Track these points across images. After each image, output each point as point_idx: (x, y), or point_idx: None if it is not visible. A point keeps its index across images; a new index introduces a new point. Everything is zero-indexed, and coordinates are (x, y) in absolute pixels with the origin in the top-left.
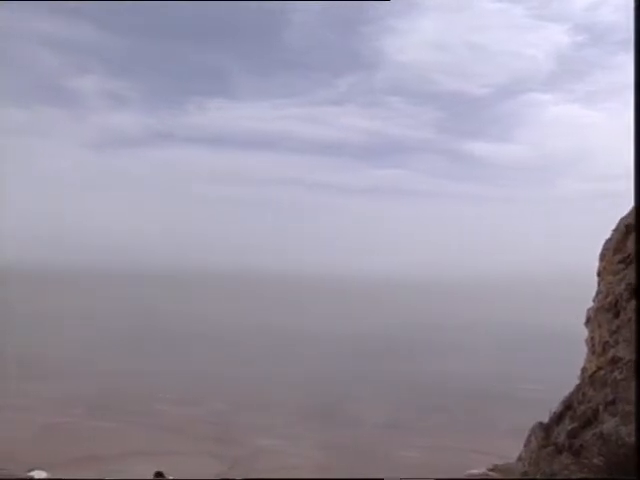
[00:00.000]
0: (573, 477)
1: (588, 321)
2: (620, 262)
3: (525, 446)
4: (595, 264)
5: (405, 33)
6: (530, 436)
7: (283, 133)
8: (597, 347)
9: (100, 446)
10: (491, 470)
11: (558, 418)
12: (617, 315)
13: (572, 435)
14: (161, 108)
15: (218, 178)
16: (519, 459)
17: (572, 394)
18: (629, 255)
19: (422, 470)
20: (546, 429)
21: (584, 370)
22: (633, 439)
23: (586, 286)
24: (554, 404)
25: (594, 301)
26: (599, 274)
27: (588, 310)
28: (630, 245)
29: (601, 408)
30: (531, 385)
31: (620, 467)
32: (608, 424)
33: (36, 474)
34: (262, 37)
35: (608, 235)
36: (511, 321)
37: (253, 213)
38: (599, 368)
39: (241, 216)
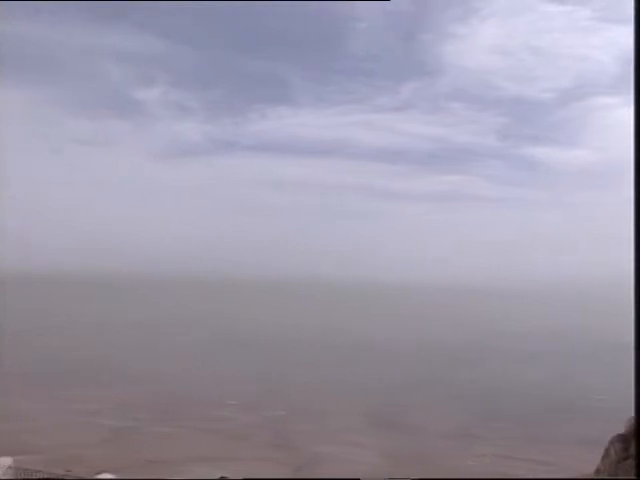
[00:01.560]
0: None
1: None
2: None
3: (603, 458)
4: None
5: (466, 38)
6: (609, 448)
7: (345, 140)
8: None
9: (165, 451)
10: None
11: (636, 430)
12: None
13: None
14: (224, 117)
15: (280, 186)
16: (597, 471)
17: None
18: None
19: None
20: (624, 441)
21: None
22: None
23: None
24: (622, 414)
25: None
26: None
27: None
28: None
29: None
30: (597, 395)
31: None
32: None
33: (104, 477)
34: (324, 45)
35: None
36: (576, 328)
37: (315, 220)
38: None
39: (303, 223)
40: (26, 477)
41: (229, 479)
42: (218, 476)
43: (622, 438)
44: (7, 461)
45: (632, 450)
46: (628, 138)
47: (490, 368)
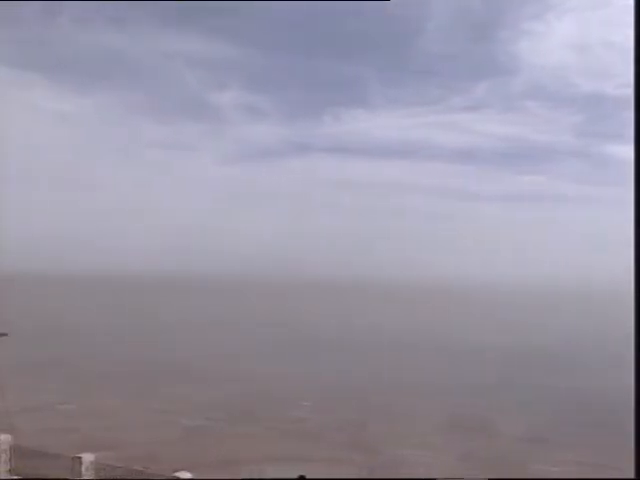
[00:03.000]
0: None
1: None
2: None
3: None
4: None
5: (541, 35)
6: None
7: (419, 141)
8: None
9: (240, 450)
10: None
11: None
12: None
13: None
14: (298, 120)
15: (356, 187)
16: None
17: None
18: None
19: None
20: None
21: None
22: None
23: None
24: None
25: None
26: None
27: None
28: None
29: None
30: None
31: None
32: None
33: (182, 475)
34: (396, 46)
35: None
36: None
37: (392, 222)
38: None
39: (380, 225)
40: (107, 473)
41: (308, 478)
42: (295, 476)
43: None
44: (89, 457)
45: None
46: None
47: (579, 374)
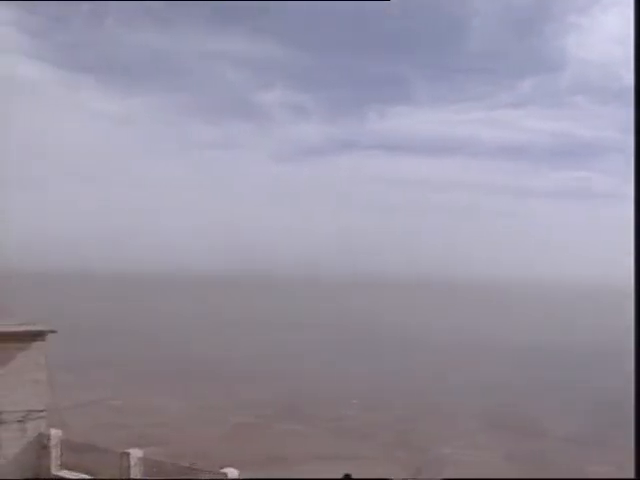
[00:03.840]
0: None
1: None
2: None
3: None
4: None
5: (588, 30)
6: None
7: (464, 138)
8: None
9: (287, 447)
10: None
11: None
12: None
13: None
14: (342, 117)
15: (401, 185)
16: None
17: None
18: None
19: None
20: None
21: None
22: None
23: None
24: None
25: None
26: None
27: None
28: None
29: None
30: None
31: None
32: None
33: (229, 471)
34: (441, 43)
35: None
36: None
37: (437, 219)
38: None
39: (425, 222)
40: (155, 469)
41: (352, 477)
42: (341, 474)
43: None
44: (138, 453)
45: None
46: None
47: (626, 375)
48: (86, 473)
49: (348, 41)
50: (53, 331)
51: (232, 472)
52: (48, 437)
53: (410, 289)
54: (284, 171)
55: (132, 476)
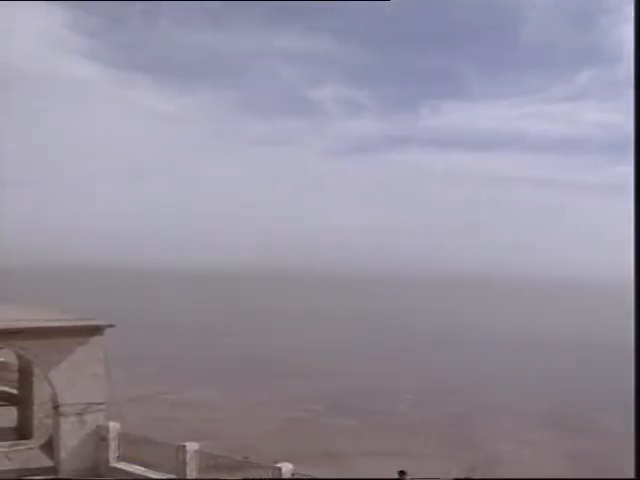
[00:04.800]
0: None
1: None
2: None
3: None
4: None
5: None
6: None
7: (519, 132)
8: None
9: (340, 443)
10: None
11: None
12: None
13: None
14: (396, 113)
15: (456, 180)
16: None
17: None
18: None
19: None
20: None
21: None
22: None
23: None
24: None
25: None
26: None
27: None
28: None
29: None
30: None
31: None
32: None
33: (283, 466)
34: (496, 37)
35: None
36: None
37: (493, 214)
38: None
39: (481, 217)
40: (210, 462)
41: (406, 474)
42: (394, 470)
43: None
44: (193, 446)
45: None
46: None
47: None
48: (143, 465)
49: (401, 36)
50: (111, 326)
51: (286, 466)
52: (106, 429)
53: (465, 285)
54: (337, 167)
55: (188, 469)
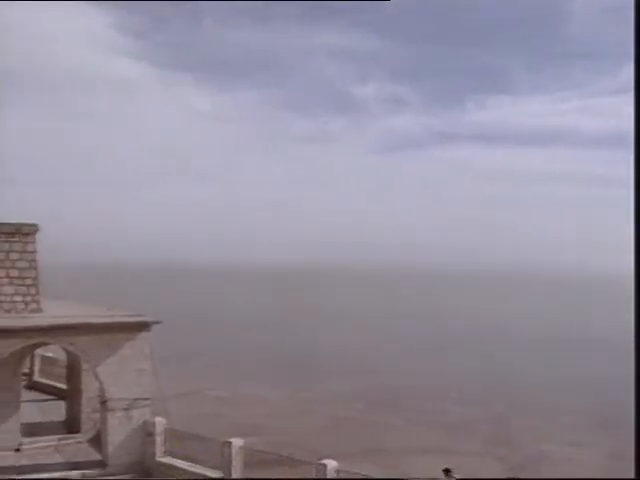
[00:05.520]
0: None
1: None
2: None
3: None
4: None
5: None
6: None
7: (565, 127)
8: None
9: (384, 440)
10: None
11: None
12: None
13: None
14: (441, 109)
15: (502, 176)
16: None
17: None
18: None
19: None
20: None
21: None
22: None
23: None
24: None
25: None
26: None
27: None
28: None
29: None
30: None
31: None
32: None
33: (328, 463)
34: (540, 31)
35: None
36: None
37: (537, 211)
38: None
39: (526, 214)
40: (255, 458)
41: (452, 471)
42: (439, 468)
43: None
44: (239, 442)
45: None
46: None
47: None
48: (189, 460)
49: (445, 31)
50: (158, 322)
51: (331, 463)
52: (153, 425)
53: (511, 281)
54: (384, 164)
55: (233, 465)
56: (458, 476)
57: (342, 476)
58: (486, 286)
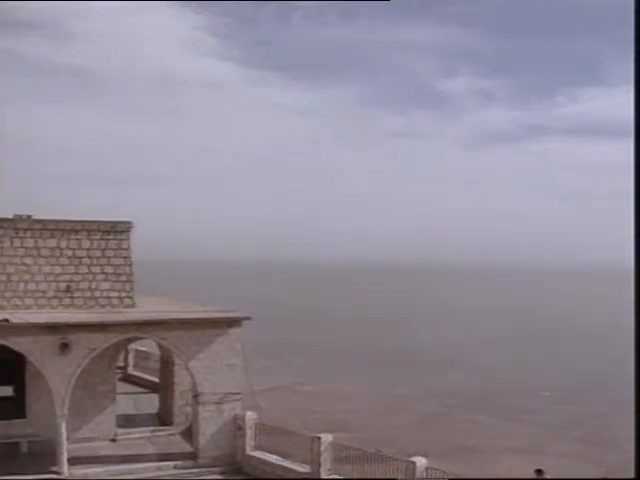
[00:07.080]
0: None
1: None
2: None
3: None
4: None
5: None
6: None
7: None
8: None
9: (475, 438)
10: None
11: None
12: None
13: None
14: (531, 102)
15: (595, 170)
16: None
17: None
18: None
19: None
20: None
21: None
22: None
23: None
24: None
25: None
26: None
27: None
28: None
29: None
30: None
31: None
32: None
33: (417, 460)
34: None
35: None
36: None
37: (630, 204)
38: None
39: (618, 211)
40: (343, 453)
41: (544, 473)
42: (531, 468)
43: None
44: (328, 437)
45: None
46: None
47: None
48: (279, 455)
49: (535, 22)
50: (248, 318)
51: (420, 460)
52: (243, 419)
53: (604, 278)
54: (472, 158)
55: (322, 460)
56: (549, 477)
57: (431, 474)
58: (577, 281)
